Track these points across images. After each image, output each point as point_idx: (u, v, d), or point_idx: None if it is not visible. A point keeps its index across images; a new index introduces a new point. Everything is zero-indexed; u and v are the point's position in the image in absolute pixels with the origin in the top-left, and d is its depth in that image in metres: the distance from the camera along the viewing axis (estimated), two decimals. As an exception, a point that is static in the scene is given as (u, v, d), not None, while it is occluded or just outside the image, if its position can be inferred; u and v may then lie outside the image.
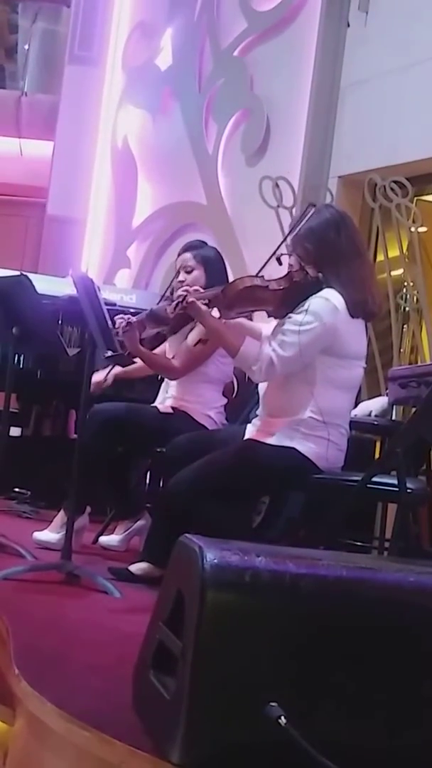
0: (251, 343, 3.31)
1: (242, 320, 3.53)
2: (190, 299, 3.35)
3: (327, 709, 1.69)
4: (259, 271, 3.37)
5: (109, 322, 3.46)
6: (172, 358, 4.03)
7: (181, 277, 4.05)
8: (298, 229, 3.40)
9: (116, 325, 3.66)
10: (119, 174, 8.09)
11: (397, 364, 5.03)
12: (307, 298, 3.26)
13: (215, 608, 1.68)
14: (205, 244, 4.24)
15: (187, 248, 4.16)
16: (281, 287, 3.29)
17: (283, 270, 3.40)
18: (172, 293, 3.96)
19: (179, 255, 4.16)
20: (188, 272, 4.04)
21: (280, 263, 3.44)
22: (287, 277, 3.31)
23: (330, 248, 3.32)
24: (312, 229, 3.36)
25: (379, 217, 5.36)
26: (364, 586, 1.78)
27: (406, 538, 3.24)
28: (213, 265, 4.07)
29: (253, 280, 3.32)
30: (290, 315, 3.27)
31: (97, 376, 4.24)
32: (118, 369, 4.31)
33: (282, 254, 3.45)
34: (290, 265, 3.41)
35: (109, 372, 4.29)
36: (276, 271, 3.40)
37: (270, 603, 1.72)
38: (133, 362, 4.06)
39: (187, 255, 4.09)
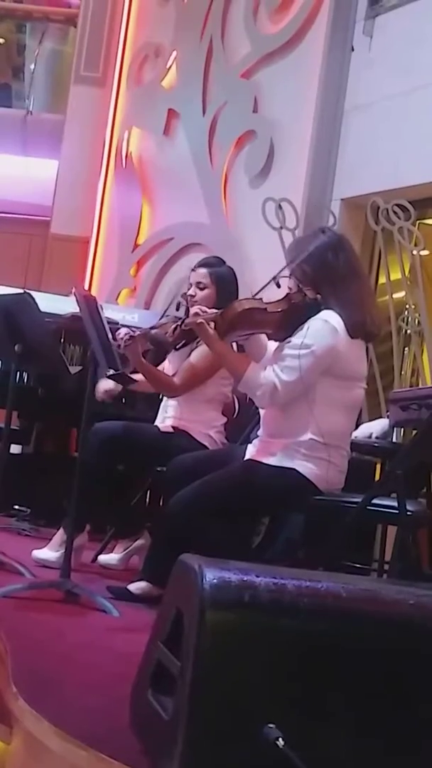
0: (255, 369, 3.31)
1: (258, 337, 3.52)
2: (199, 320, 3.36)
3: (325, 730, 1.69)
4: (258, 292, 3.37)
5: (112, 341, 3.47)
6: (173, 375, 4.02)
7: (191, 292, 4.02)
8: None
9: (118, 337, 3.65)
10: (123, 194, 8.12)
11: (398, 387, 5.04)
12: (306, 320, 3.26)
13: (214, 628, 1.68)
14: (223, 262, 4.17)
15: (203, 264, 4.10)
16: (280, 309, 3.29)
17: (282, 293, 3.41)
18: (178, 307, 3.96)
19: (194, 269, 4.10)
20: (201, 289, 4.00)
21: (279, 286, 3.45)
22: (286, 300, 3.32)
23: (328, 270, 3.34)
24: (310, 252, 3.38)
25: (381, 239, 5.39)
26: (363, 608, 1.78)
27: (405, 560, 3.24)
28: (226, 286, 4.02)
29: (251, 303, 3.33)
30: (289, 338, 3.27)
31: (107, 384, 4.22)
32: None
33: (281, 277, 3.46)
34: (289, 288, 3.42)
35: None
36: (275, 294, 3.40)
37: (269, 623, 1.72)
38: (134, 381, 4.06)
39: (203, 271, 4.04)
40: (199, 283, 4.01)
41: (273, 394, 3.24)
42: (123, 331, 3.72)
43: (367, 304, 3.40)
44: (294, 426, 3.30)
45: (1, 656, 2.52)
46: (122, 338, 3.67)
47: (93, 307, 3.47)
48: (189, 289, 4.04)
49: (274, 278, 3.39)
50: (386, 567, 4.05)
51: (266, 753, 1.61)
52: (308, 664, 1.72)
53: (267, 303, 3.31)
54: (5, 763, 2.17)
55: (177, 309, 3.98)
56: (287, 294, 3.36)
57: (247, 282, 5.94)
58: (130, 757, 1.78)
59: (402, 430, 3.96)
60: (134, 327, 3.97)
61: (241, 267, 6.34)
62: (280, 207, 5.81)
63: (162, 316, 4.02)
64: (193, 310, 3.58)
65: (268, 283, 3.39)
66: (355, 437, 3.64)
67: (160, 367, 4.13)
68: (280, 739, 1.61)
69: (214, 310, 3.45)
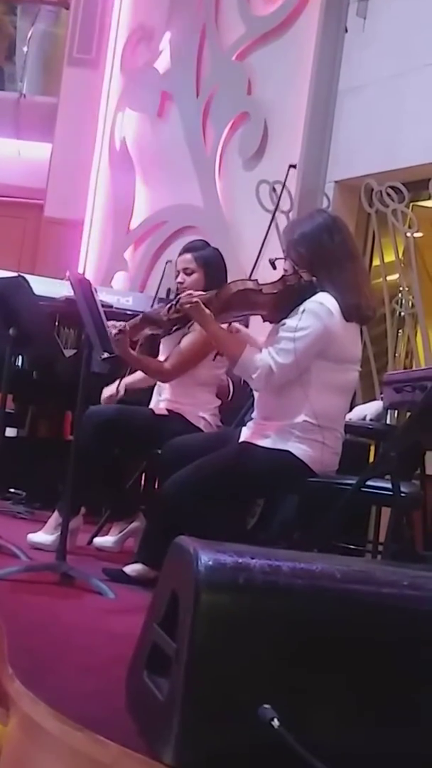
0: (251, 351, 3.32)
1: (244, 330, 3.53)
2: (194, 300, 3.36)
3: (320, 711, 1.70)
4: (252, 272, 3.38)
5: (106, 324, 3.47)
6: (165, 360, 4.03)
7: (179, 279, 4.02)
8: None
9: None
10: (117, 177, 8.10)
11: (392, 369, 5.04)
12: (301, 302, 3.27)
13: (209, 610, 1.69)
14: (207, 244, 4.16)
15: (188, 249, 4.09)
16: (275, 291, 3.29)
17: (278, 274, 3.42)
18: (167, 295, 3.97)
19: (180, 255, 4.10)
20: (188, 274, 3.99)
21: (275, 267, 3.45)
22: (281, 281, 3.32)
23: (323, 252, 3.34)
24: (305, 234, 3.38)
25: (375, 222, 5.38)
26: (357, 589, 1.79)
27: (399, 542, 3.25)
28: (214, 268, 4.01)
29: (246, 284, 3.33)
30: (284, 321, 3.28)
31: (108, 390, 4.25)
32: (127, 379, 4.31)
33: (276, 259, 3.46)
34: (285, 270, 3.42)
35: (119, 384, 4.27)
36: (270, 276, 3.40)
37: (264, 605, 1.72)
38: (128, 364, 4.06)
39: (188, 256, 4.03)
40: (185, 268, 4.01)
41: (268, 376, 3.25)
42: (111, 326, 3.70)
43: (362, 286, 3.41)
44: (288, 408, 3.31)
45: (-2, 639, 2.53)
46: (111, 334, 3.65)
47: (87, 290, 3.47)
48: (177, 276, 4.04)
49: (260, 254, 3.39)
50: (380, 548, 4.07)
51: (261, 733, 1.62)
52: (303, 645, 1.73)
53: (262, 284, 3.32)
54: (2, 745, 2.18)
55: (167, 296, 3.98)
56: (282, 276, 3.36)
57: (241, 264, 5.96)
58: (126, 738, 1.79)
59: (396, 412, 3.97)
60: (128, 310, 3.98)
61: (235, 249, 6.36)
62: (273, 189, 5.81)
63: (153, 303, 4.02)
64: (186, 290, 3.59)
65: (258, 257, 3.39)
66: (350, 419, 3.66)
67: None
68: (275, 720, 1.62)
69: (202, 292, 3.46)
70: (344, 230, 3.47)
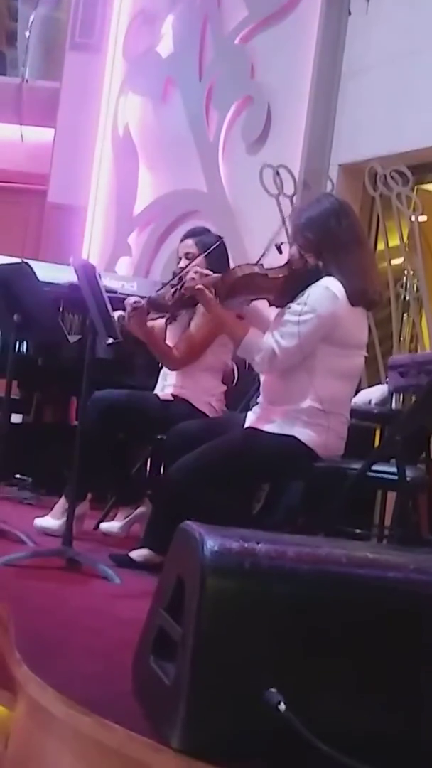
0: (255, 334, 3.31)
1: (253, 306, 3.52)
2: (199, 285, 3.36)
3: (327, 695, 1.70)
4: (259, 259, 3.37)
5: (110, 310, 3.47)
6: (173, 347, 4.03)
7: (182, 264, 4.04)
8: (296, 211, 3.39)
9: (126, 306, 3.67)
10: (120, 161, 8.08)
11: (397, 353, 5.04)
12: (307, 286, 3.26)
13: (215, 595, 1.69)
14: (208, 231, 4.20)
15: (189, 234, 4.14)
16: (281, 275, 3.29)
17: (284, 259, 3.41)
18: (176, 280, 3.97)
19: (181, 241, 4.14)
20: (189, 259, 4.01)
21: (281, 252, 3.45)
22: (287, 266, 3.32)
23: (330, 237, 3.33)
24: (312, 218, 3.37)
25: (379, 205, 5.37)
26: (363, 574, 1.79)
27: (405, 526, 3.25)
28: (214, 253, 4.03)
29: (252, 268, 3.33)
30: (290, 305, 3.27)
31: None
32: None
33: (283, 243, 3.45)
34: (291, 255, 3.41)
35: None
36: (277, 261, 3.40)
37: (270, 590, 1.73)
38: (132, 350, 4.06)
39: (189, 242, 4.08)
40: (187, 253, 4.04)
41: (272, 359, 3.24)
42: (131, 299, 3.75)
43: (369, 272, 3.40)
44: (294, 393, 3.31)
45: (5, 623, 2.53)
46: (130, 306, 3.70)
47: (91, 275, 3.47)
48: (179, 262, 4.06)
49: (272, 242, 3.38)
50: (386, 533, 4.07)
51: (267, 717, 1.63)
52: (309, 629, 1.73)
53: (268, 269, 3.31)
54: (9, 729, 2.19)
55: (177, 282, 3.98)
56: (289, 260, 3.36)
57: (246, 249, 5.95)
58: (133, 722, 1.79)
59: (401, 396, 3.96)
60: (133, 295, 3.98)
61: (239, 234, 6.35)
62: (277, 173, 5.79)
63: (161, 288, 4.02)
64: (190, 271, 3.59)
65: (269, 246, 3.39)
66: (355, 403, 3.65)
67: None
68: (282, 704, 1.63)
69: (212, 273, 3.45)
70: (351, 215, 3.46)
